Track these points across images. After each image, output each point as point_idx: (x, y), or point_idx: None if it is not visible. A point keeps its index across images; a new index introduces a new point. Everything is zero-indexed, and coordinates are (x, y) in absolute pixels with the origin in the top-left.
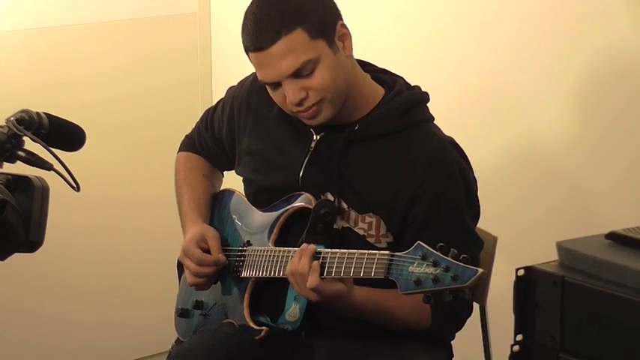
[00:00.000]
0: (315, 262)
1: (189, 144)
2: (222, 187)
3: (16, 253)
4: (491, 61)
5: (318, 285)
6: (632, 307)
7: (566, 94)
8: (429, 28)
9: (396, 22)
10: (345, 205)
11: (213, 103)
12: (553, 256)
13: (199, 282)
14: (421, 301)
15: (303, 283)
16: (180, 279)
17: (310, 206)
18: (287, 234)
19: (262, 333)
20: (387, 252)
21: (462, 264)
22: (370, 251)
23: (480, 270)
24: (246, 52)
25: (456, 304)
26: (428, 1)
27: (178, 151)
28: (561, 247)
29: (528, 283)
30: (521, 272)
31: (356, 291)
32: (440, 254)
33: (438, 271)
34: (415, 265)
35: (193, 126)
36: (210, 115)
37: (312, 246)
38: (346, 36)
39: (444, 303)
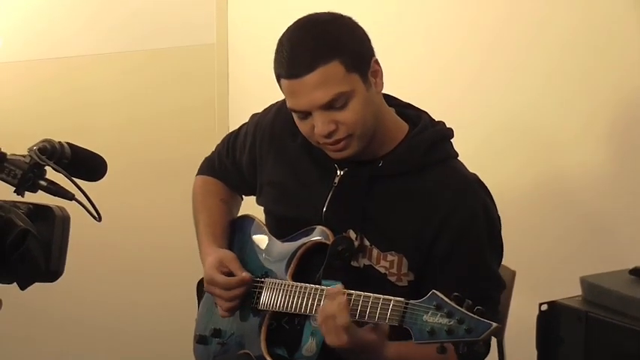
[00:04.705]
0: (342, 296)
1: (209, 167)
2: (241, 212)
3: (36, 283)
4: (520, 97)
5: (348, 323)
6: None
7: (594, 131)
8: (458, 64)
9: (425, 57)
10: (367, 243)
11: (230, 129)
12: (572, 291)
13: (232, 306)
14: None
15: (334, 328)
16: (199, 304)
17: (328, 242)
18: (305, 267)
19: None
20: (401, 299)
21: (476, 316)
22: (385, 296)
23: (494, 324)
24: (278, 78)
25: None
26: (460, 38)
27: (197, 174)
28: (585, 282)
29: (552, 318)
30: (544, 307)
31: (389, 346)
32: (454, 305)
33: (452, 323)
34: (429, 314)
35: (212, 150)
36: (232, 140)
37: (338, 286)
38: (378, 72)
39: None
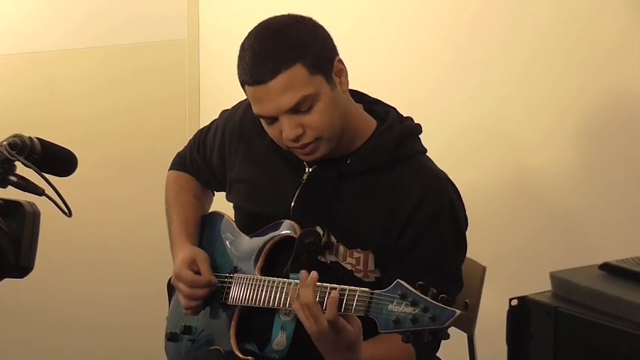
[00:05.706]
0: (334, 291)
1: (180, 162)
2: (212, 209)
3: (5, 279)
4: (490, 95)
5: (335, 317)
6: (626, 338)
7: (564, 128)
8: (429, 62)
9: (395, 54)
10: (333, 239)
11: (201, 125)
12: (542, 286)
13: (193, 305)
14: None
15: (312, 317)
16: (170, 301)
17: (295, 235)
18: (274, 261)
19: None
20: (367, 289)
21: (440, 304)
22: (351, 287)
23: (458, 311)
24: (243, 85)
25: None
26: (430, 36)
27: (169, 169)
28: (555, 277)
29: (522, 313)
30: (514, 302)
31: (363, 346)
32: (419, 293)
33: (416, 311)
34: (394, 303)
35: (183, 145)
36: (202, 136)
37: (313, 274)
38: (343, 72)
39: (424, 342)
